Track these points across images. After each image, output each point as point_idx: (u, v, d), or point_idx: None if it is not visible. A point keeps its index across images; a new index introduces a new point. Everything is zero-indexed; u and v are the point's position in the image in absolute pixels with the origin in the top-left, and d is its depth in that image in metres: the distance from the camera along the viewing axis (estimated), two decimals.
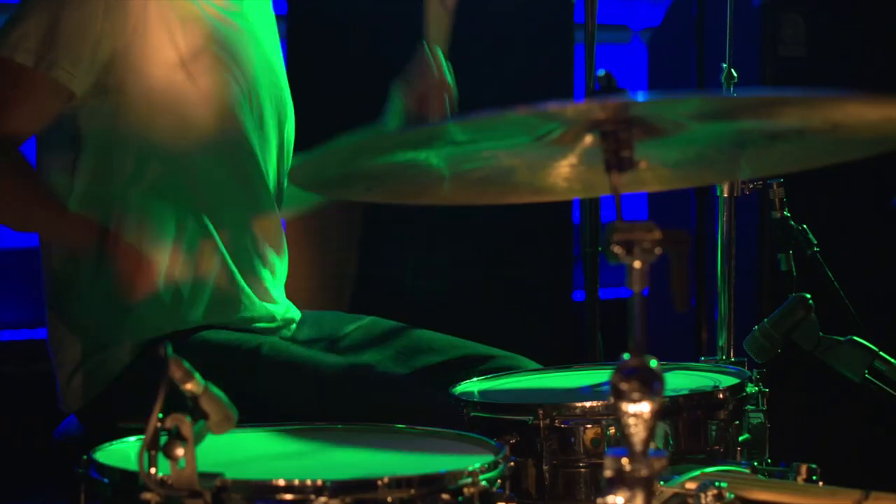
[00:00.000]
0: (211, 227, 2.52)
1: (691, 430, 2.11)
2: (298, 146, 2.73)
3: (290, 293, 2.76)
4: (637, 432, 1.49)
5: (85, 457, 1.74)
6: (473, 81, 3.81)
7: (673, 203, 4.20)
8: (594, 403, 2.06)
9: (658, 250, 1.51)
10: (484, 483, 1.69)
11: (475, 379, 2.32)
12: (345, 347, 2.65)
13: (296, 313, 2.73)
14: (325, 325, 2.72)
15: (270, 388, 2.43)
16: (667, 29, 4.97)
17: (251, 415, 1.87)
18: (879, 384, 2.44)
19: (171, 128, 2.46)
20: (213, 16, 2.54)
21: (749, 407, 2.22)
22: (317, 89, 3.63)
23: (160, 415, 1.49)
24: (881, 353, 2.45)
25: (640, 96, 1.50)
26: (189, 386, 1.52)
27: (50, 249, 2.54)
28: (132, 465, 1.58)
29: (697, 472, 1.87)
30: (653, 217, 4.69)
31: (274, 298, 2.67)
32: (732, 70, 2.48)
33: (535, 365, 2.52)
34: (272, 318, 2.64)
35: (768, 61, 4.26)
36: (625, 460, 1.48)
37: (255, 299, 2.61)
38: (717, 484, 1.78)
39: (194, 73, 2.47)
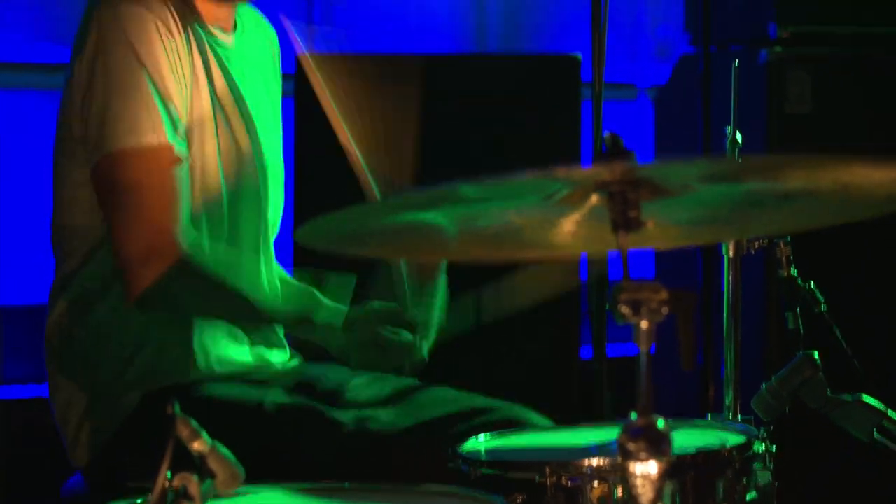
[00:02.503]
0: None
1: (698, 488, 2.10)
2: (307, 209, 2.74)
3: (296, 342, 2.76)
4: (644, 492, 1.49)
5: None
6: (481, 138, 3.83)
7: (680, 259, 4.20)
8: (602, 462, 2.05)
9: (665, 310, 1.52)
10: None
11: (481, 436, 2.32)
12: (349, 401, 2.65)
13: (302, 364, 2.73)
14: (329, 377, 2.71)
15: (276, 445, 2.43)
16: (673, 86, 5.00)
17: (257, 472, 1.86)
18: (888, 443, 2.44)
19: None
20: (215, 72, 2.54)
21: (756, 465, 2.21)
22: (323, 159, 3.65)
23: (168, 473, 1.49)
24: (890, 412, 2.44)
25: (647, 160, 1.51)
26: (197, 445, 1.52)
27: (53, 303, 2.54)
28: None
29: None
30: (659, 273, 4.71)
31: (279, 344, 2.67)
32: (738, 131, 2.49)
33: (537, 416, 2.52)
34: (277, 369, 2.64)
35: (774, 118, 4.28)
36: None
37: (263, 349, 2.61)
38: None
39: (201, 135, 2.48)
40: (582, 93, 3.93)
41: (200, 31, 2.51)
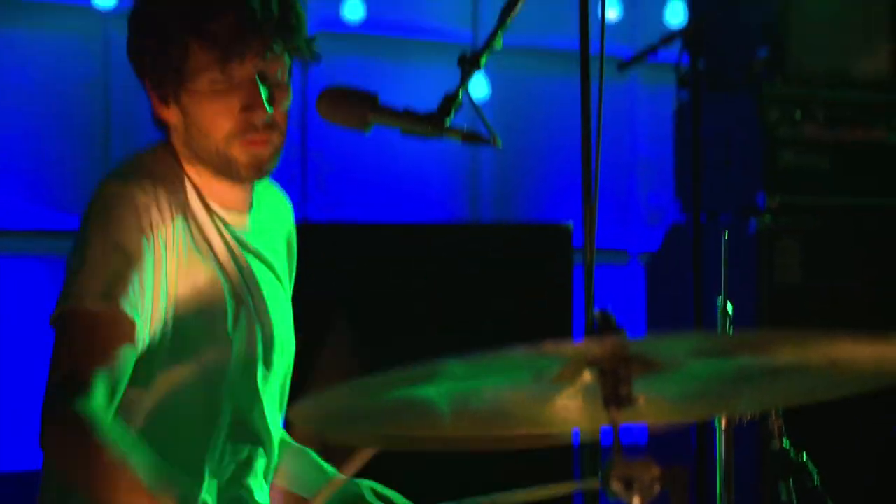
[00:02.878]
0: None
1: None
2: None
3: None
4: None
5: None
6: (474, 307, 3.85)
7: (672, 432, 4.19)
8: None
9: (657, 487, 1.52)
10: None
11: None
12: None
13: None
14: None
15: None
16: (665, 253, 5.04)
17: None
18: None
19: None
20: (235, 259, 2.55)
21: None
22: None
23: None
24: None
25: (638, 330, 1.53)
26: None
27: (48, 475, 2.53)
28: None
29: None
30: (652, 442, 4.69)
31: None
32: (728, 304, 2.51)
33: None
34: None
35: (765, 288, 4.31)
36: None
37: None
38: None
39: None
40: (574, 258, 3.97)
41: (208, 213, 2.52)
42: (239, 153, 2.45)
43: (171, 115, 2.47)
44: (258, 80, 2.42)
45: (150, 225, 2.40)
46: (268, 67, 2.44)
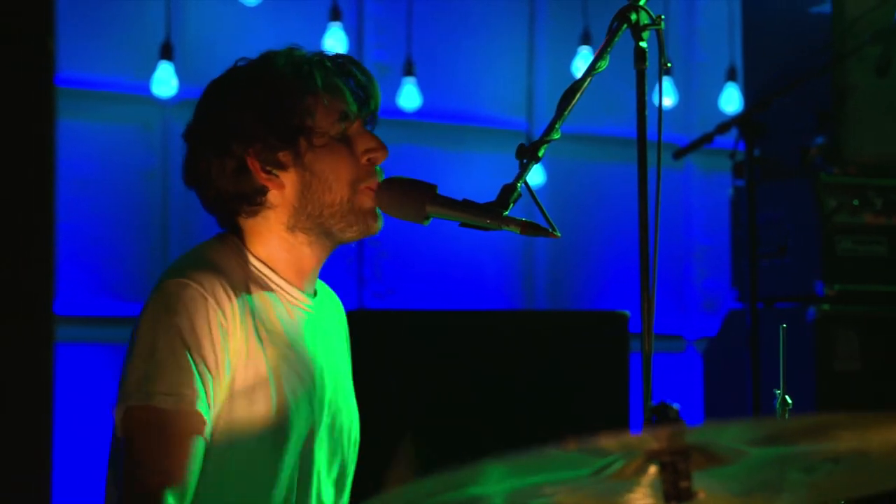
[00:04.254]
0: None
1: None
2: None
3: None
4: None
5: None
6: (530, 397, 3.83)
7: None
8: None
9: None
10: None
11: None
12: None
13: None
14: None
15: None
16: (722, 340, 5.01)
17: None
18: None
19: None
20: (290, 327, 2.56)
21: None
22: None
23: None
24: None
25: (696, 418, 1.52)
26: None
27: None
28: None
29: None
30: None
31: None
32: (787, 397, 2.49)
33: None
34: None
35: (823, 376, 4.28)
36: None
37: None
38: None
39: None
40: (631, 345, 3.96)
41: (273, 298, 2.54)
42: (364, 201, 2.46)
43: (284, 179, 2.46)
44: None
45: (213, 319, 2.41)
46: (373, 118, 2.52)
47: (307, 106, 2.44)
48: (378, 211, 2.49)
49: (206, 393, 2.38)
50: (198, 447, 2.38)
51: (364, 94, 2.49)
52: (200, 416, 2.37)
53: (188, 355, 2.38)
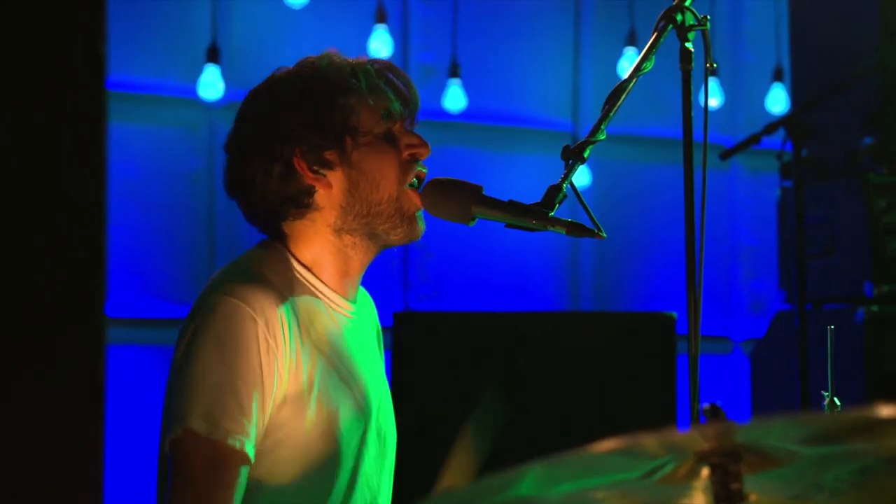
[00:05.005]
0: None
1: None
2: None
3: None
4: None
5: None
6: (576, 398, 3.81)
7: None
8: None
9: None
10: None
11: None
12: None
13: None
14: None
15: None
16: (769, 341, 4.99)
17: None
18: None
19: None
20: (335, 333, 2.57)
21: None
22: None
23: None
24: None
25: (745, 421, 1.50)
26: None
27: None
28: None
29: None
30: None
31: None
32: (835, 399, 2.47)
33: None
34: None
35: (872, 377, 4.25)
36: None
37: None
38: None
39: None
40: (677, 346, 3.94)
41: (317, 304, 2.54)
42: (409, 204, 2.48)
43: (331, 179, 2.47)
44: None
45: (262, 339, 2.42)
46: (414, 118, 2.55)
47: (352, 105, 2.46)
48: (421, 214, 2.51)
49: (255, 417, 2.39)
50: (242, 477, 2.39)
51: (405, 95, 2.52)
52: (247, 445, 2.38)
53: (237, 382, 2.39)
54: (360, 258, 2.55)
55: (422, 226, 2.53)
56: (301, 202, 2.47)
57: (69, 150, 0.99)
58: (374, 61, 2.55)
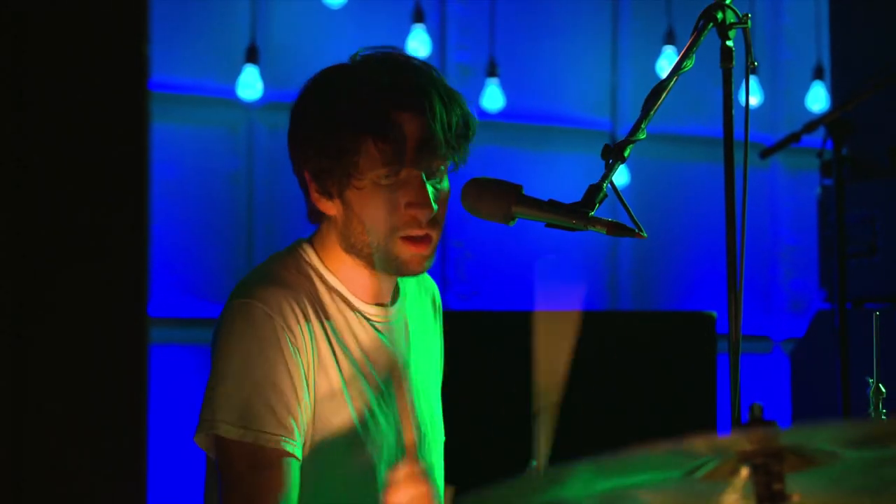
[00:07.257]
0: None
1: None
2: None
3: None
4: None
5: None
6: (615, 397, 3.80)
7: None
8: None
9: None
10: None
11: None
12: None
13: None
14: None
15: None
16: (810, 340, 4.96)
17: None
18: None
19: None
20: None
21: None
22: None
23: None
24: None
25: (786, 420, 1.50)
26: None
27: None
28: None
29: None
30: None
31: None
32: (881, 385, 2.45)
33: None
34: None
35: None
36: None
37: None
38: None
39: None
40: (717, 346, 3.93)
41: (347, 311, 2.54)
42: (400, 250, 2.44)
43: (331, 207, 2.46)
44: (424, 178, 2.42)
45: (283, 338, 2.42)
46: (434, 167, 2.44)
47: (356, 145, 2.39)
48: (426, 254, 2.45)
49: (291, 410, 2.39)
50: (290, 475, 2.39)
51: (431, 144, 2.39)
52: (284, 443, 2.38)
53: (262, 382, 2.39)
54: (374, 275, 2.53)
55: (426, 266, 2.51)
56: (315, 217, 2.49)
57: (113, 151, 1.00)
58: (429, 84, 2.43)
